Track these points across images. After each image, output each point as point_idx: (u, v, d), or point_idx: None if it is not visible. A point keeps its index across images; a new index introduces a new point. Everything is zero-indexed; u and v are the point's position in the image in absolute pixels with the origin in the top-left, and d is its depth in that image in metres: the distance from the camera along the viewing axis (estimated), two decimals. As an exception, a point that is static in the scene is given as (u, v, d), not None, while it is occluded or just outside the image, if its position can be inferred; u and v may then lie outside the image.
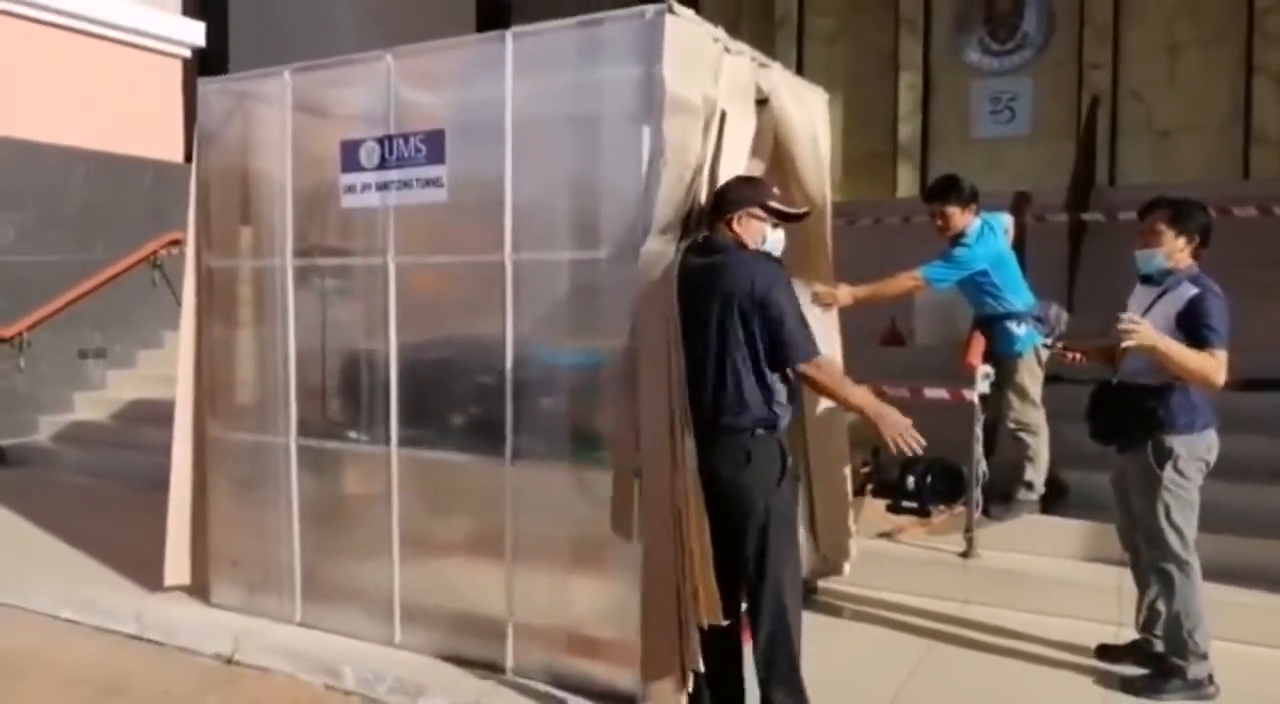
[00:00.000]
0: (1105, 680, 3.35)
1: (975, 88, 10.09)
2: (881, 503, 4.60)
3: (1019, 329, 4.33)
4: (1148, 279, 3.33)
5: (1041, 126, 9.72)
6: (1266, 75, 8.80)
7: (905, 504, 4.52)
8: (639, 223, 3.02)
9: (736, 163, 3.23)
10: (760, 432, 2.72)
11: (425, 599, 3.56)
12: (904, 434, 2.68)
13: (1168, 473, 3.17)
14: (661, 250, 2.93)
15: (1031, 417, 4.37)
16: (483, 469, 3.40)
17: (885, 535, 4.59)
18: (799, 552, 2.87)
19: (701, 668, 2.77)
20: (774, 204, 2.89)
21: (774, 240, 2.92)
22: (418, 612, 3.58)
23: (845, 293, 4.09)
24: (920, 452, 2.72)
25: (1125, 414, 3.26)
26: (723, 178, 3.04)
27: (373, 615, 3.65)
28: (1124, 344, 3.07)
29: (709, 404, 2.75)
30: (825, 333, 4.18)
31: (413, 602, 3.59)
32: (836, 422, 4.21)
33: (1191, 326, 3.08)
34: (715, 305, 2.72)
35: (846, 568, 4.23)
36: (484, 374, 3.44)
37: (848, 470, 4.21)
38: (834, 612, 4.12)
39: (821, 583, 4.27)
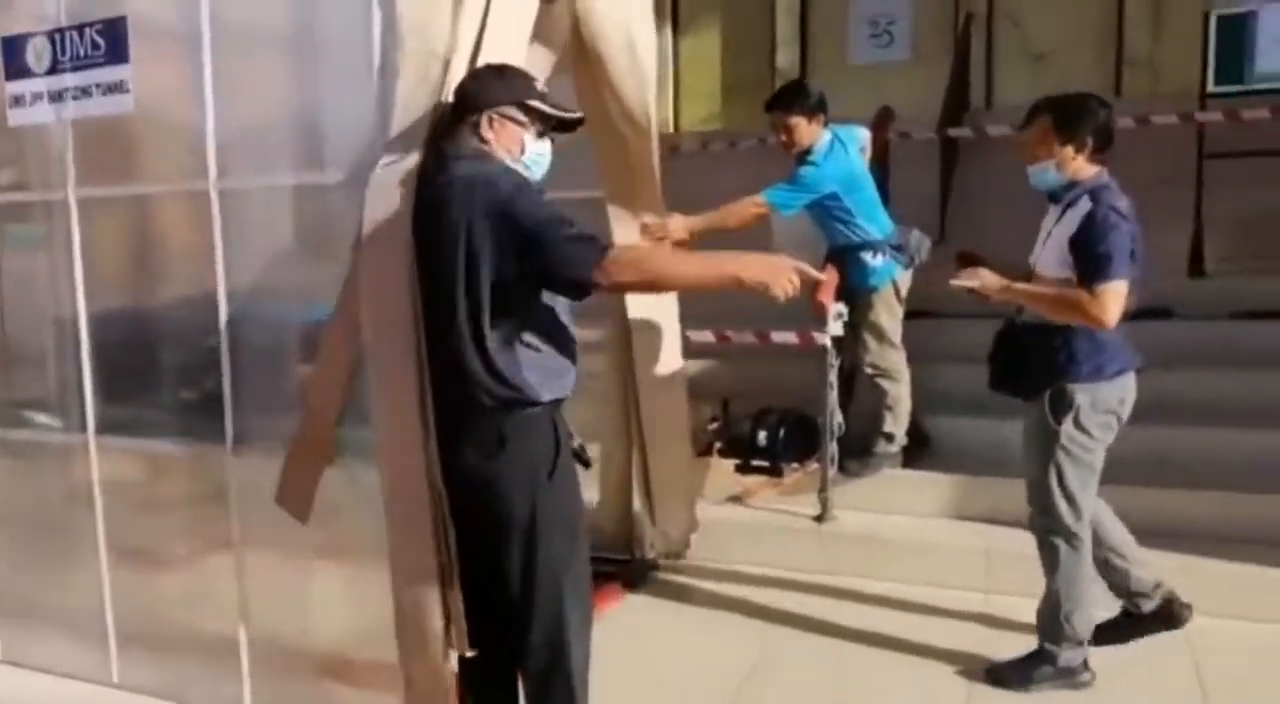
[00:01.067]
0: (969, 671, 2.87)
1: (853, 12, 9.69)
2: (730, 463, 4.06)
3: (875, 260, 3.78)
4: (1054, 197, 2.79)
5: (920, 51, 9.41)
6: (1137, -3, 8.64)
7: (755, 463, 4.01)
8: (377, 134, 2.31)
9: (510, 56, 2.52)
10: (522, 409, 2.05)
11: (145, 626, 2.83)
12: (794, 272, 1.97)
13: (1065, 427, 2.64)
14: (397, 170, 2.21)
15: (890, 360, 3.85)
16: (200, 459, 2.67)
17: (734, 499, 4.05)
18: (584, 559, 2.23)
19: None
20: (536, 103, 2.16)
21: (538, 154, 2.18)
22: (138, 641, 2.84)
23: (678, 224, 3.48)
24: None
25: (1026, 357, 2.73)
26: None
27: (85, 647, 2.90)
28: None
29: (454, 375, 2.06)
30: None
31: (131, 629, 2.85)
32: (674, 375, 3.62)
33: (1080, 254, 2.56)
34: (449, 243, 2.00)
35: (691, 541, 3.69)
36: (196, 338, 2.68)
37: (687, 432, 3.63)
38: (670, 594, 3.56)
39: (662, 559, 3.72)
